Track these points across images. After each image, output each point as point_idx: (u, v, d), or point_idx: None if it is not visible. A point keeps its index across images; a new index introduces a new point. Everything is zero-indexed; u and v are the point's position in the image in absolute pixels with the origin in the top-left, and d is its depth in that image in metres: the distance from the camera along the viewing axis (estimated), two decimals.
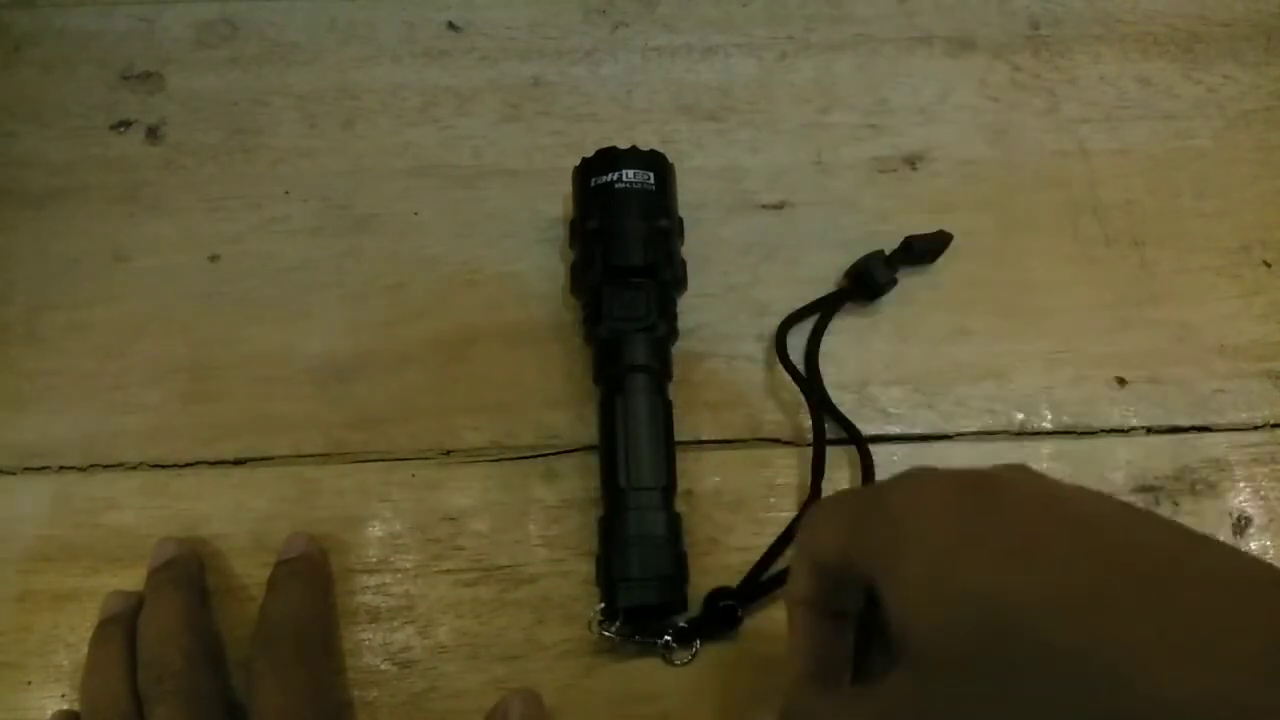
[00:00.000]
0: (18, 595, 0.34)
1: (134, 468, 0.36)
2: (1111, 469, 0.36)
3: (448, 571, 0.34)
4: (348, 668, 0.33)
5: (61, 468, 0.36)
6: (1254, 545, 0.35)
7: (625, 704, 0.33)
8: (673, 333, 0.36)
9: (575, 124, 0.42)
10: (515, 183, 0.41)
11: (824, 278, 0.39)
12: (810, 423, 0.36)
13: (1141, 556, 0.19)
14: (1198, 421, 0.37)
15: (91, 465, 0.36)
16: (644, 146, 0.37)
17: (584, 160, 0.37)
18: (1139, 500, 0.36)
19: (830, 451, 0.35)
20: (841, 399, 0.36)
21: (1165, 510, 0.36)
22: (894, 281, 0.38)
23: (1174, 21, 0.45)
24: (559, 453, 0.36)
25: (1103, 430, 0.37)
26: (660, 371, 0.35)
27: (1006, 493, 0.21)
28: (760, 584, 0.33)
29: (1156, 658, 0.17)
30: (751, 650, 0.33)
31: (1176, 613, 0.17)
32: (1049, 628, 0.18)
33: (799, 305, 0.38)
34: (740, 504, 0.35)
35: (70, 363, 0.37)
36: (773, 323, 0.38)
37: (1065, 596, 0.18)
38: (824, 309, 0.38)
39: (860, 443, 0.35)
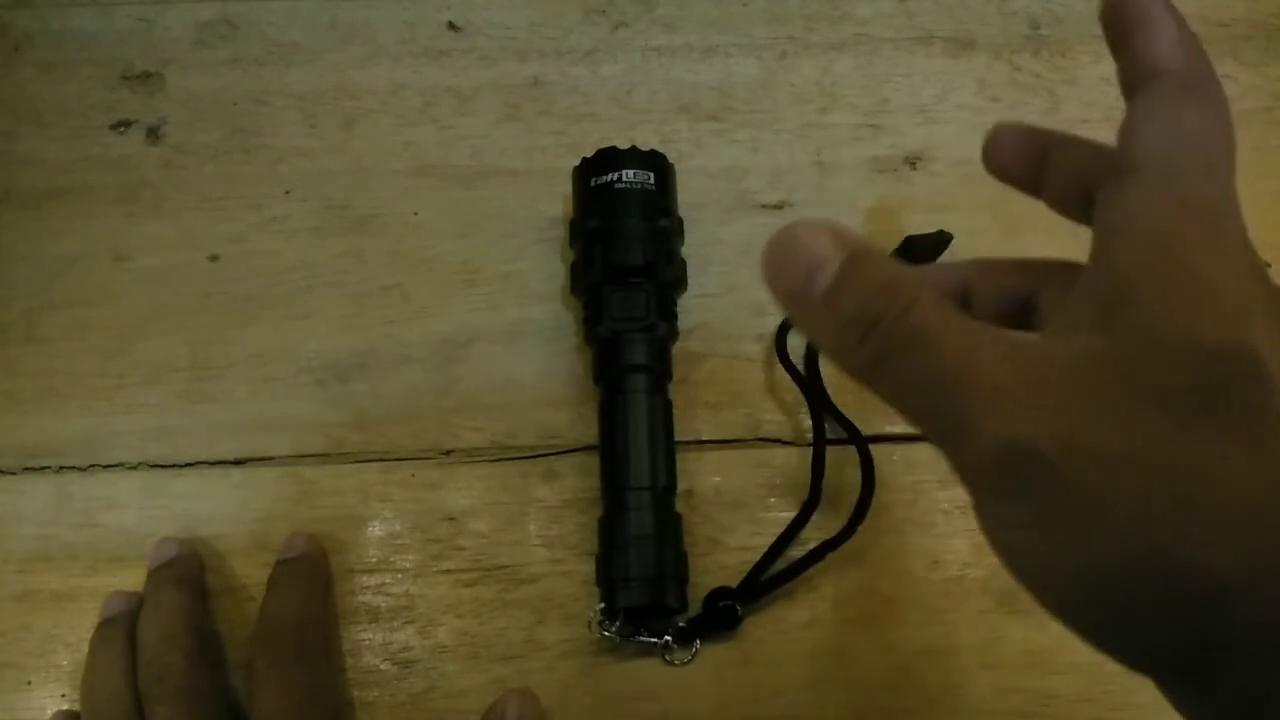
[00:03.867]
0: (18, 595, 0.34)
1: (134, 468, 0.36)
2: None
3: (448, 571, 0.34)
4: (348, 668, 0.33)
5: (61, 468, 0.36)
6: None
7: (625, 704, 0.33)
8: (673, 333, 0.36)
9: (575, 124, 0.42)
10: (515, 183, 0.41)
11: None
12: (810, 423, 0.36)
13: None
14: None
15: (91, 465, 0.36)
16: (644, 146, 0.37)
17: (584, 160, 0.37)
18: None
19: (830, 451, 0.35)
20: (841, 399, 0.36)
21: None
22: None
23: None
24: (559, 453, 0.36)
25: None
26: (660, 371, 0.35)
27: None
28: (760, 584, 0.33)
29: None
30: (751, 650, 0.33)
31: None
32: None
33: None
34: (740, 504, 0.35)
35: (70, 363, 0.37)
36: (773, 323, 0.38)
37: None
38: None
39: (860, 443, 0.35)
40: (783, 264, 0.19)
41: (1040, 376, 0.18)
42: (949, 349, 0.18)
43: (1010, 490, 0.18)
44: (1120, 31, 0.23)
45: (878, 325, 0.18)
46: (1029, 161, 0.25)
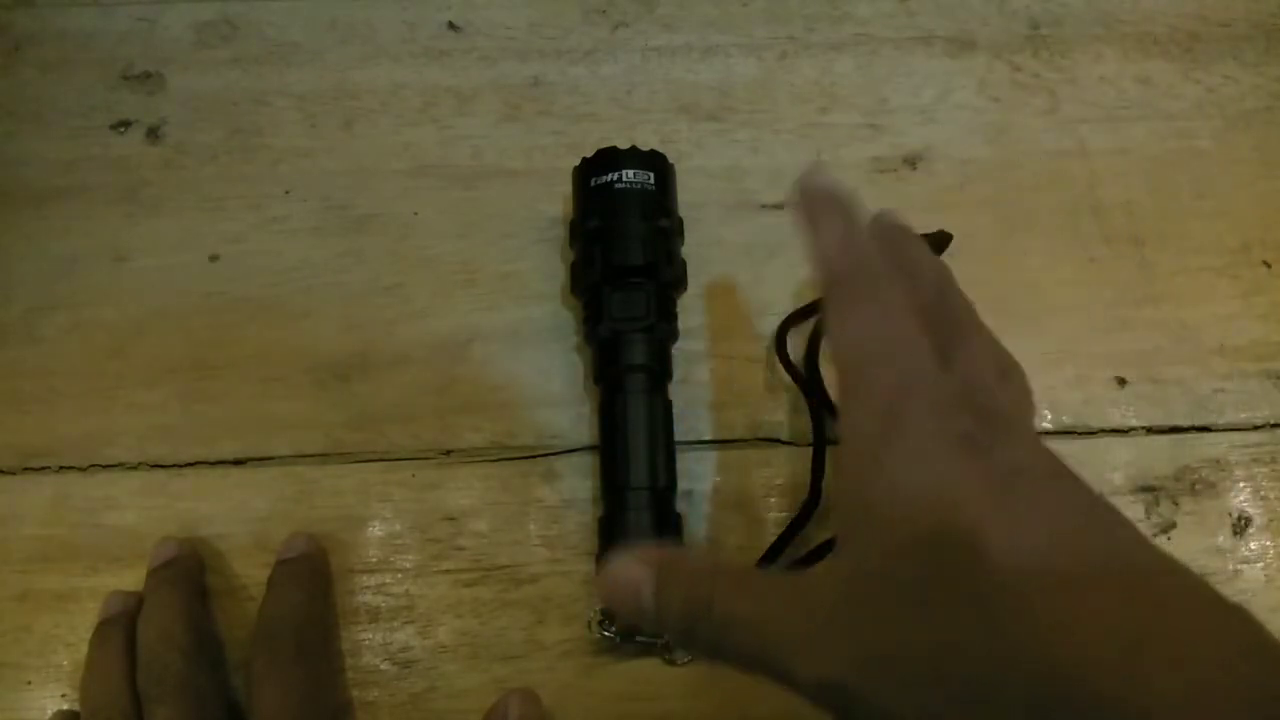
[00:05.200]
0: (18, 595, 0.34)
1: (134, 468, 0.36)
2: (1111, 469, 0.36)
3: (448, 571, 0.34)
4: (348, 668, 0.33)
5: (61, 468, 0.36)
6: (1254, 545, 0.35)
7: (625, 704, 0.33)
8: (673, 333, 0.36)
9: (575, 124, 0.42)
10: (515, 183, 0.41)
11: None
12: (810, 423, 0.36)
13: (1119, 558, 0.19)
14: (1197, 421, 0.37)
15: (91, 465, 0.36)
16: (644, 146, 0.37)
17: (584, 160, 0.37)
18: (1139, 500, 0.36)
19: (830, 451, 0.35)
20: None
21: (1165, 510, 0.36)
22: None
23: (1174, 21, 0.45)
24: (559, 453, 0.36)
25: (1103, 430, 0.37)
26: (660, 371, 0.35)
27: (1009, 450, 0.21)
28: None
29: (1121, 662, 0.17)
30: None
31: (1146, 623, 0.17)
32: (1016, 595, 0.18)
33: (799, 305, 0.38)
34: (740, 504, 0.35)
35: (70, 363, 0.37)
36: (773, 323, 0.38)
37: (1045, 568, 0.18)
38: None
39: None
40: (613, 598, 0.24)
41: (820, 615, 0.21)
42: (748, 624, 0.21)
43: (835, 712, 0.21)
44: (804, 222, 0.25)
45: (695, 628, 0.22)
46: None
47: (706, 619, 0.22)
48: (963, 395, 0.22)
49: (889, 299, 0.24)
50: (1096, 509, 0.20)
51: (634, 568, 0.24)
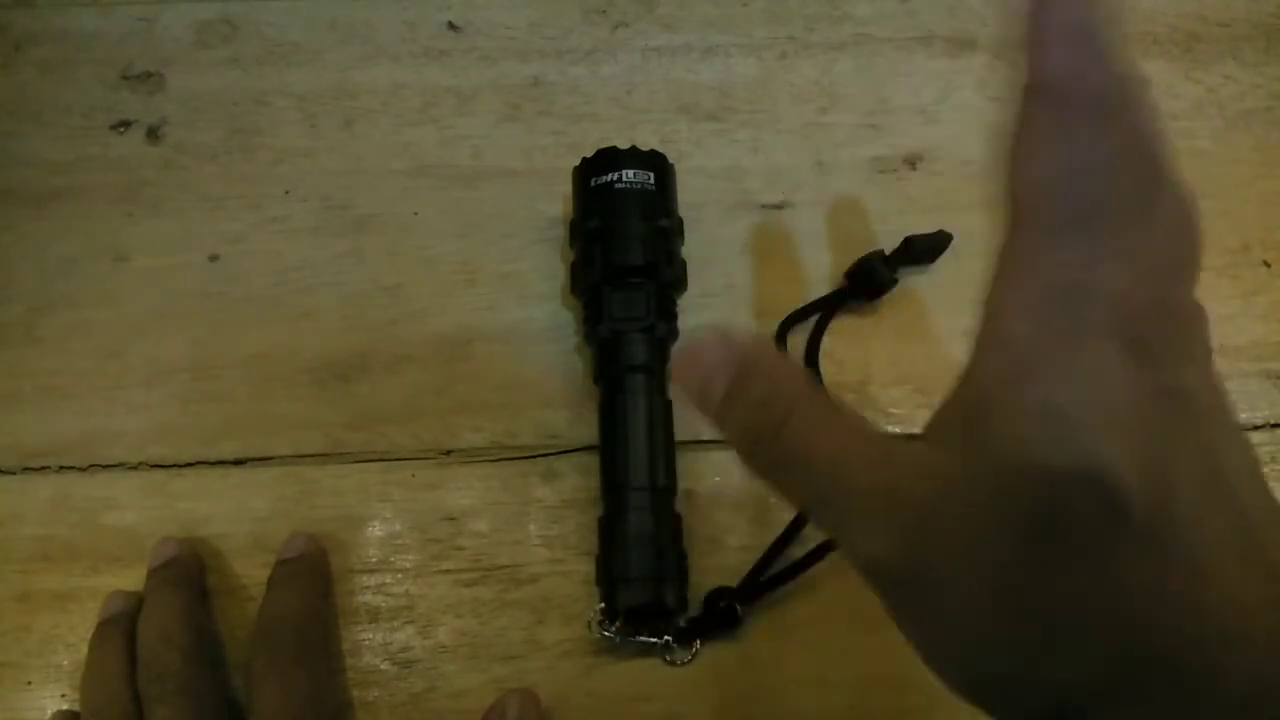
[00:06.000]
0: (18, 595, 0.34)
1: (134, 468, 0.36)
2: None
3: (448, 571, 0.34)
4: (348, 668, 0.33)
5: (61, 468, 0.36)
6: None
7: (625, 704, 0.33)
8: (673, 333, 0.36)
9: (575, 124, 0.42)
10: (515, 183, 0.41)
11: (824, 278, 0.39)
12: None
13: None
14: None
15: (91, 465, 0.36)
16: (644, 146, 0.37)
17: (584, 160, 0.37)
18: None
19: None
20: (841, 399, 0.36)
21: None
22: (894, 281, 0.38)
23: (1174, 21, 0.45)
24: (559, 453, 0.36)
25: None
26: (660, 371, 0.35)
27: (1181, 369, 0.18)
28: (760, 584, 0.33)
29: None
30: (751, 650, 0.33)
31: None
32: (1147, 554, 0.16)
33: (799, 305, 0.38)
34: (740, 504, 0.35)
35: (70, 363, 0.37)
36: (773, 323, 0.38)
37: (1186, 524, 0.16)
38: (824, 309, 0.38)
39: None
40: (685, 375, 0.21)
41: (902, 492, 0.18)
42: (819, 466, 0.19)
43: (883, 595, 0.18)
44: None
45: (759, 442, 0.19)
46: None
47: (773, 440, 0.19)
48: (1146, 286, 0.18)
49: (1117, 135, 0.19)
50: (1253, 457, 0.18)
51: (717, 351, 0.20)
